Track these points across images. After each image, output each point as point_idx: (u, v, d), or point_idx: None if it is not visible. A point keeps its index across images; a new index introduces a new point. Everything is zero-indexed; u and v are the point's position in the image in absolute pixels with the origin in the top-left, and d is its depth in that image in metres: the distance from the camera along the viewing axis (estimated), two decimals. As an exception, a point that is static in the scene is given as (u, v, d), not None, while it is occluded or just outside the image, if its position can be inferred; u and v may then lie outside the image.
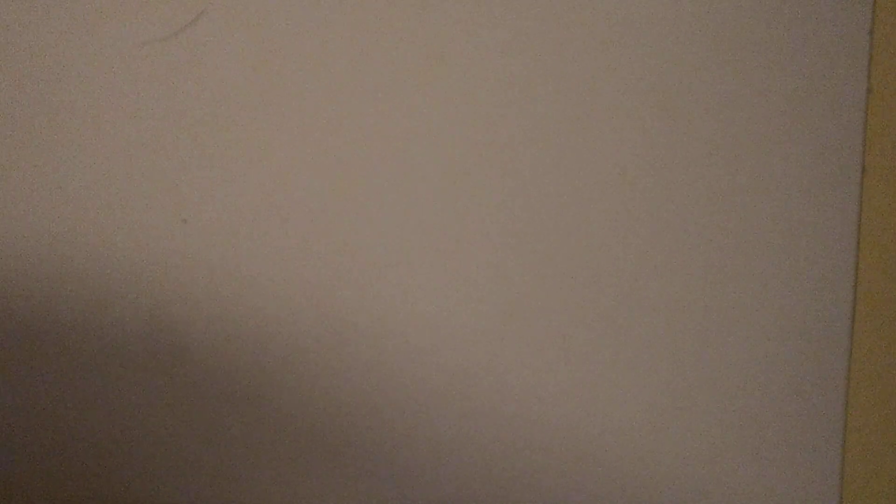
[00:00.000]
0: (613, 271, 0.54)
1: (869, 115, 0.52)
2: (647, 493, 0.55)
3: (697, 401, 0.55)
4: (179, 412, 0.54)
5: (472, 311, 0.54)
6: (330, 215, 0.53)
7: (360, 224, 0.53)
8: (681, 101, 0.53)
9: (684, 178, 0.53)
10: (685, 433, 0.55)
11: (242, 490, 0.54)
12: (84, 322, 0.53)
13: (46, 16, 0.53)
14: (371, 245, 0.54)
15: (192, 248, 0.53)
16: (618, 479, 0.55)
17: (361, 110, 0.53)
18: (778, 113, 0.53)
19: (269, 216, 0.53)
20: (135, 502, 0.53)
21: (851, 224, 0.53)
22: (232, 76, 0.53)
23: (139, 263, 0.53)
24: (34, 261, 0.53)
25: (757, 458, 0.55)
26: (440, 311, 0.54)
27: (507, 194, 0.54)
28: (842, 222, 0.54)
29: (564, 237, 0.54)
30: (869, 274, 0.53)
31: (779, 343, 0.54)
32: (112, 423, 0.54)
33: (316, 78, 0.53)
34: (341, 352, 0.54)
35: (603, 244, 0.54)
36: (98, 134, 0.53)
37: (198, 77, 0.53)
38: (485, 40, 0.53)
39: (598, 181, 0.53)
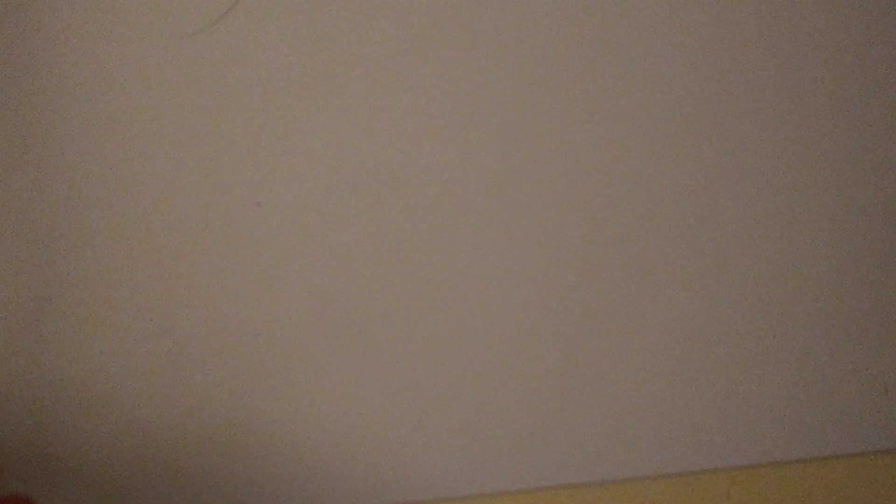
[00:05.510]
0: (607, 275, 0.54)
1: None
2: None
3: (689, 401, 0.55)
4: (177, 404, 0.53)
5: (467, 310, 0.54)
6: (360, 202, 0.53)
7: (376, 217, 0.53)
8: (682, 106, 0.53)
9: (682, 182, 0.53)
10: (676, 433, 0.55)
11: (242, 489, 0.54)
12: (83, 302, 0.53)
13: (85, 19, 0.52)
14: (368, 239, 0.53)
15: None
16: (605, 477, 0.55)
17: (404, 97, 0.53)
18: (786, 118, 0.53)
19: (293, 207, 0.53)
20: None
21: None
22: (271, 65, 0.53)
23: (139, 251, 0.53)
24: (50, 249, 0.53)
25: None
26: (450, 307, 0.54)
27: (504, 193, 0.54)
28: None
29: (559, 236, 0.53)
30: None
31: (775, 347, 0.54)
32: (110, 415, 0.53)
33: (353, 67, 0.53)
34: (347, 347, 0.54)
35: (597, 249, 0.53)
36: (135, 133, 0.53)
37: (237, 68, 0.52)
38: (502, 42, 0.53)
39: (598, 184, 0.53)
